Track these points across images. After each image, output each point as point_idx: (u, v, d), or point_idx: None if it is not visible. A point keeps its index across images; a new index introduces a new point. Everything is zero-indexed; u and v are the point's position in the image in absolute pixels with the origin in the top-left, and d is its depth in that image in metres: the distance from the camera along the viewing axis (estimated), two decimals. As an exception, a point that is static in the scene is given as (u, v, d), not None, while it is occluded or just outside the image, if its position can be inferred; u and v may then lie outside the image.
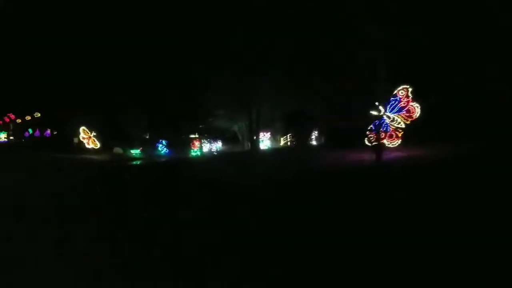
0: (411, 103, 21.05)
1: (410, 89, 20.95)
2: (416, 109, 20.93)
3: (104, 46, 34.18)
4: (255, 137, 31.63)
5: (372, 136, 21.66)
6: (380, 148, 17.34)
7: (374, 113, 21.77)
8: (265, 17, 26.65)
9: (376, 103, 21.74)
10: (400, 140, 21.30)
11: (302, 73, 25.51)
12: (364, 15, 22.96)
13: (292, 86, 27.51)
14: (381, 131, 21.49)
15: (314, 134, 33.66)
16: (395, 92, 21.38)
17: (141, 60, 31.44)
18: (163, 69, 31.61)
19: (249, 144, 34.42)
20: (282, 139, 39.99)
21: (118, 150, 35.73)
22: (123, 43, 32.99)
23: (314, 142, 33.84)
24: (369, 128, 21.76)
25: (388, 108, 21.60)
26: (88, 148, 37.76)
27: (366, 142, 21.97)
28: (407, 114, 21.19)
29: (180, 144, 34.52)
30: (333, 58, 23.76)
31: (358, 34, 22.49)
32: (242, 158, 27.07)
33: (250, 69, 27.33)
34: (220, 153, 34.18)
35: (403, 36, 20.37)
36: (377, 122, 21.51)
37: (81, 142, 38.73)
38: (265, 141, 37.66)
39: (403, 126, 21.29)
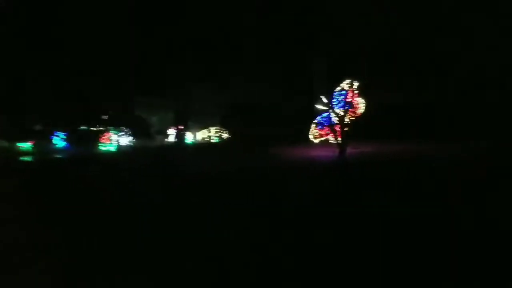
0: (356, 98, 20.33)
1: (355, 84, 20.19)
2: (360, 105, 20.28)
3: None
4: (181, 131, 28.50)
5: (317, 131, 20.54)
6: (345, 143, 15.97)
7: (320, 107, 20.66)
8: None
9: (322, 97, 20.63)
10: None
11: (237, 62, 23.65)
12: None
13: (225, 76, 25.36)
14: (326, 126, 20.49)
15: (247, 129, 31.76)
16: (341, 86, 20.47)
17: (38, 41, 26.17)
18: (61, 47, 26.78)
19: (167, 139, 31.17)
20: (201, 133, 37.34)
21: (2, 143, 29.33)
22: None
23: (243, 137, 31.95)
24: (314, 122, 20.59)
25: (333, 102, 20.59)
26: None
27: (311, 138, 20.77)
28: (352, 110, 20.42)
29: (83, 137, 29.69)
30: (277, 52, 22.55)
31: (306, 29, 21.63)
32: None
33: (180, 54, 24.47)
34: (138, 148, 30.02)
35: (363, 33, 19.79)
36: (324, 116, 20.46)
37: None
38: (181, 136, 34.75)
39: (348, 121, 20.47)
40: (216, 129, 37.65)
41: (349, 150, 17.96)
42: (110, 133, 28.68)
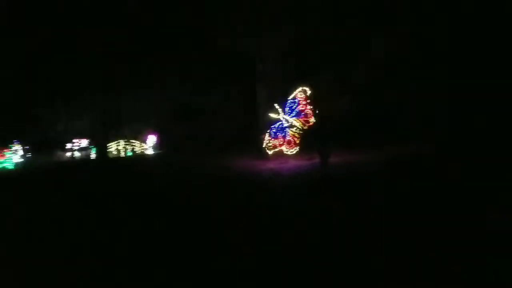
0: (309, 107, 19.42)
1: (308, 91, 19.31)
2: (314, 114, 19.41)
3: None
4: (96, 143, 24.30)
5: (270, 140, 19.14)
6: (328, 152, 14.69)
7: (273, 115, 19.33)
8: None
9: (275, 105, 19.37)
10: (297, 147, 19.33)
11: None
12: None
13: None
14: (280, 136, 19.22)
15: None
16: (294, 94, 19.42)
17: None
18: None
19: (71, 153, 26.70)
20: (112, 146, 33.07)
21: None
22: None
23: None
24: (268, 132, 19.16)
25: (286, 111, 19.42)
26: None
27: (265, 149, 19.25)
28: (305, 119, 19.47)
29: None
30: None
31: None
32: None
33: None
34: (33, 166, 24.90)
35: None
36: (276, 125, 19.20)
37: None
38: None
39: (301, 131, 19.43)
40: (127, 140, 33.92)
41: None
42: (6, 148, 23.45)
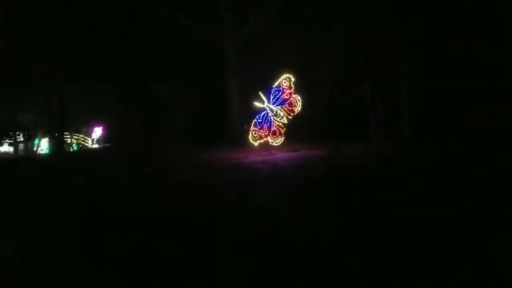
0: (293, 95, 18.47)
1: (292, 79, 18.35)
2: (298, 103, 18.52)
3: None
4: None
5: (256, 131, 17.96)
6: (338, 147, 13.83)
7: (258, 104, 18.13)
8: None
9: (260, 93, 18.18)
10: (283, 138, 18.34)
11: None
12: None
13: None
14: (266, 126, 18.10)
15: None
16: (278, 81, 18.35)
17: None
18: None
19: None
20: (47, 139, 29.54)
21: None
22: None
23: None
24: (253, 122, 17.94)
25: (271, 100, 18.30)
26: None
27: (250, 140, 18.01)
28: (289, 108, 18.49)
29: None
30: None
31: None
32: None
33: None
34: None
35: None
36: (262, 114, 18.06)
37: None
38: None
39: (286, 121, 18.42)
40: (69, 134, 30.67)
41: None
42: None
